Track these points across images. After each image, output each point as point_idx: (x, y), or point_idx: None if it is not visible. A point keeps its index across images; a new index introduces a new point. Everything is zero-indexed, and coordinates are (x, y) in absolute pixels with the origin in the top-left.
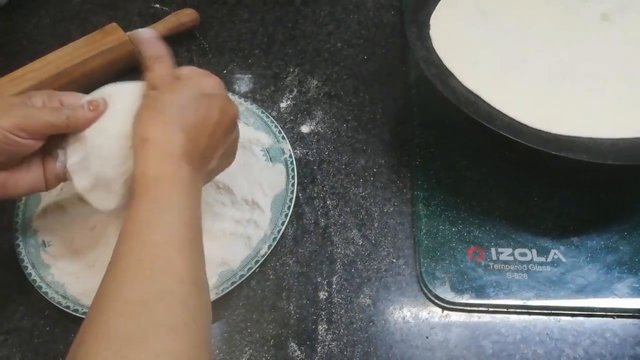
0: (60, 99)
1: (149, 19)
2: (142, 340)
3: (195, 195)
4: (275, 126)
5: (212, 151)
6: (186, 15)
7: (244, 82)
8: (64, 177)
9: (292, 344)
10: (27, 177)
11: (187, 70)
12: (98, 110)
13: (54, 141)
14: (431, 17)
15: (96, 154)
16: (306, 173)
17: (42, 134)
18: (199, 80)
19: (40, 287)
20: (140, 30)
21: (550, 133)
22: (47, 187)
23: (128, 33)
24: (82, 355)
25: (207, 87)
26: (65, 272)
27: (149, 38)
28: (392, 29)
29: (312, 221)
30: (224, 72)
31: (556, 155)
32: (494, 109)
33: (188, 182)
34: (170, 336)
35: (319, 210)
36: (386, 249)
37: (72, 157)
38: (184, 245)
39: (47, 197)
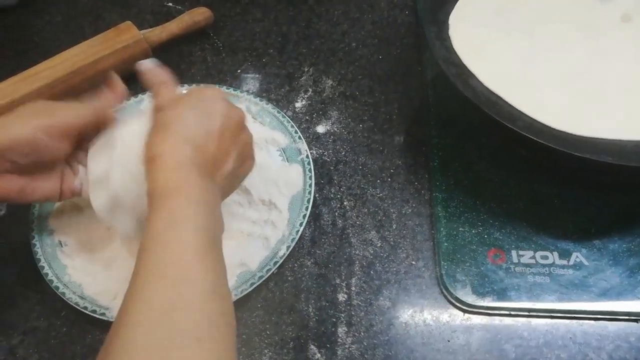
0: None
1: (161, 17)
2: (167, 351)
3: (209, 202)
4: (292, 126)
5: (224, 156)
6: (200, 14)
7: (258, 82)
8: (79, 193)
9: (312, 346)
10: (45, 186)
11: (189, 89)
12: (116, 87)
13: (77, 155)
14: (450, 17)
15: (119, 176)
16: (322, 174)
17: (71, 131)
18: (198, 93)
19: (58, 288)
20: (142, 61)
21: (572, 134)
22: (61, 198)
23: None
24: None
25: (207, 97)
26: (82, 273)
27: (152, 67)
28: (407, 29)
29: (330, 222)
30: (238, 71)
31: (579, 157)
32: (515, 109)
33: (200, 190)
34: (195, 346)
35: (336, 211)
36: (405, 251)
37: (94, 172)
38: (200, 254)
39: None
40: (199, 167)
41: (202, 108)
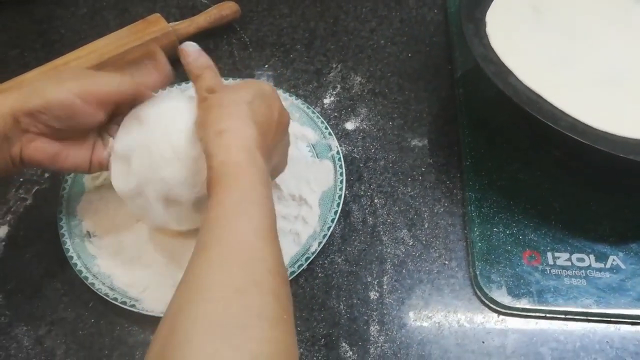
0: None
1: (187, 11)
2: (244, 328)
3: (270, 185)
4: (322, 122)
5: (274, 148)
6: (227, 8)
7: (285, 77)
8: (105, 166)
9: (344, 344)
10: (77, 154)
11: (243, 80)
12: (161, 66)
13: (109, 127)
14: (487, 14)
15: (142, 154)
16: (352, 170)
17: (107, 100)
18: (257, 84)
19: (87, 278)
20: (185, 43)
21: (616, 135)
22: (90, 170)
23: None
24: (181, 340)
25: (266, 91)
26: (111, 264)
27: (194, 50)
28: (436, 27)
29: (360, 219)
30: (266, 66)
31: (622, 158)
32: (557, 109)
33: (265, 172)
34: (270, 326)
35: (366, 208)
36: (437, 251)
37: (118, 146)
38: (268, 235)
39: (91, 187)
40: (261, 151)
41: (264, 99)
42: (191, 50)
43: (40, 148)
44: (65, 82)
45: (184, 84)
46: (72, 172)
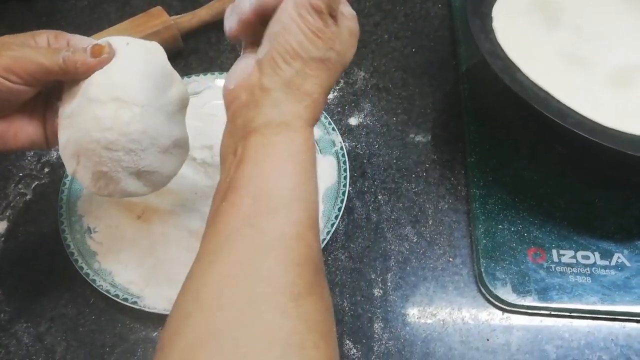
0: (69, 40)
1: (188, 4)
2: (303, 348)
3: (311, 137)
4: (325, 117)
5: (342, 57)
6: (230, 1)
7: None
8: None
9: (348, 341)
10: (27, 129)
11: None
12: (101, 58)
13: (57, 92)
14: (493, 9)
15: (85, 116)
16: (355, 166)
17: (35, 79)
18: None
19: (88, 275)
20: None
21: (623, 132)
22: (48, 143)
23: None
24: (231, 354)
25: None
26: (112, 260)
27: None
28: (440, 22)
29: (364, 216)
30: None
31: (631, 156)
32: (564, 105)
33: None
34: (323, 342)
35: (370, 205)
36: (442, 248)
37: (63, 112)
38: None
39: None
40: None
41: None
42: None
43: None
44: None
45: (187, 77)
46: (30, 149)
